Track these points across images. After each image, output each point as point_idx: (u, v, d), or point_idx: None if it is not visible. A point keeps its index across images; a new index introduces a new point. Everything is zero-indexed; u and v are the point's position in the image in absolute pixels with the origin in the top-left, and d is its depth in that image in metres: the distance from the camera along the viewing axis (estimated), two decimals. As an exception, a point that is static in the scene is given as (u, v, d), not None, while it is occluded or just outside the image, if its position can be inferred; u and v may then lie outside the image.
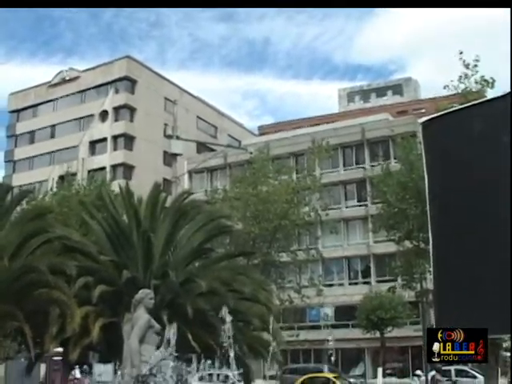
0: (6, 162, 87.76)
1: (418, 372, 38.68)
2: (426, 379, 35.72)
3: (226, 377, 34.27)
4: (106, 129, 78.22)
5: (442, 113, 6.83)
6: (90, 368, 23.38)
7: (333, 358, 57.15)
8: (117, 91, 79.37)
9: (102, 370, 24.61)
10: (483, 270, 5.81)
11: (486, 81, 31.52)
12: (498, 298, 5.56)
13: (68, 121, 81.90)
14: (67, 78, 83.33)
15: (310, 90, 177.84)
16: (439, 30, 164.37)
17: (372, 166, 61.46)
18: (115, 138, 78.34)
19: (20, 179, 76.57)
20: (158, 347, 13.71)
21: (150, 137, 75.86)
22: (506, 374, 34.21)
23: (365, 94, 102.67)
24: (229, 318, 14.86)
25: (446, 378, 36.95)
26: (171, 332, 13.61)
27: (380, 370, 53.47)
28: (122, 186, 27.02)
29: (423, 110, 72.91)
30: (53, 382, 29.30)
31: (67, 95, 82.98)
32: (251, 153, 48.33)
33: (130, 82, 79.11)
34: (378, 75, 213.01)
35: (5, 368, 30.47)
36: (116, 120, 78.74)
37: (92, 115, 79.99)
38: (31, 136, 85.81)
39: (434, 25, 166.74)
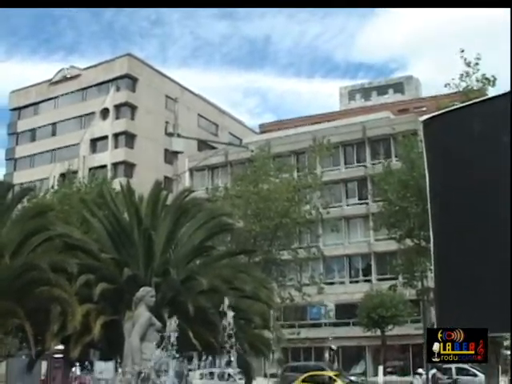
0: (7, 159, 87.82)
1: (420, 370, 38.69)
2: (427, 377, 35.75)
3: (228, 375, 34.30)
4: (106, 127, 78.22)
5: (443, 111, 6.83)
6: (91, 365, 23.35)
7: (327, 356, 57.22)
8: (118, 89, 79.34)
9: (103, 368, 24.61)
10: (484, 269, 5.82)
11: (487, 79, 31.47)
12: (498, 297, 5.56)
13: (69, 119, 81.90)
14: (68, 76, 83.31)
15: (311, 88, 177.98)
16: (440, 29, 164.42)
17: (373, 164, 61.50)
18: (116, 135, 78.34)
19: (21, 177, 76.58)
20: (158, 345, 13.72)
21: (151, 135, 75.87)
22: (506, 372, 34.18)
23: (366, 92, 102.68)
24: (230, 316, 14.86)
25: (446, 376, 36.98)
26: (172, 327, 13.62)
27: (381, 368, 53.62)
28: (123, 183, 27.01)
29: (424, 109, 72.91)
30: (54, 380, 29.30)
31: (68, 93, 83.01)
32: (252, 151, 48.32)
33: (131, 80, 79.10)
34: (379, 73, 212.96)
35: (6, 365, 30.50)
36: (117, 118, 78.73)
37: (93, 113, 79.98)
38: (32, 134, 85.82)
39: (435, 23, 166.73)
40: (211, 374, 35.86)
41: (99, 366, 25.02)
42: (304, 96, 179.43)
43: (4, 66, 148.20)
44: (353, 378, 45.14)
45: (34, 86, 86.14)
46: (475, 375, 38.85)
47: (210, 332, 21.03)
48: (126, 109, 78.70)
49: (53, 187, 48.79)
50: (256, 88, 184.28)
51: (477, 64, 31.41)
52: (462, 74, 31.53)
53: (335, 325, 62.72)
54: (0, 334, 21.09)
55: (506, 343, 36.85)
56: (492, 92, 28.72)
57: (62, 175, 59.41)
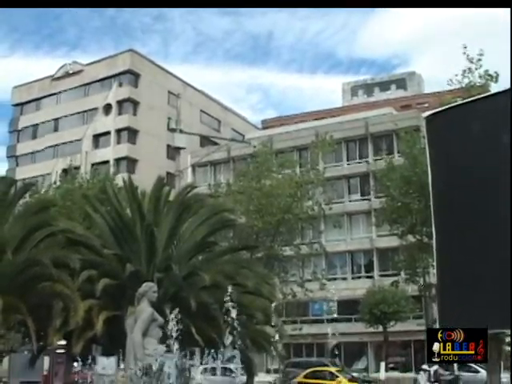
0: (8, 155, 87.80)
1: (425, 366, 38.64)
2: (429, 374, 35.74)
3: (229, 370, 34.29)
4: (109, 122, 78.19)
5: (446, 107, 6.82)
6: (94, 361, 23.37)
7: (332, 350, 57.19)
8: (120, 85, 79.27)
9: (105, 363, 24.61)
10: (485, 266, 5.81)
11: (489, 75, 31.42)
12: (499, 294, 5.56)
13: (71, 114, 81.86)
14: (71, 72, 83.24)
15: (313, 84, 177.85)
16: (443, 25, 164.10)
17: (375, 160, 61.42)
18: (118, 131, 78.30)
19: (23, 173, 76.52)
20: (161, 341, 13.74)
21: (153, 130, 75.82)
22: (508, 368, 34.17)
23: (368, 88, 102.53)
24: (233, 312, 14.88)
25: (448, 373, 36.94)
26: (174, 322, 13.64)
27: (383, 364, 53.51)
28: (125, 179, 27.02)
29: (427, 105, 72.78)
30: (56, 375, 29.33)
31: (71, 89, 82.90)
32: (255, 146, 48.28)
33: (133, 76, 79.03)
34: (382, 69, 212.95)
35: (8, 360, 30.54)
36: (119, 113, 78.67)
37: (95, 109, 79.93)
38: (34, 129, 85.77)
39: (438, 19, 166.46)
40: (213, 369, 35.83)
41: (101, 361, 25.03)
42: (306, 92, 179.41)
43: (7, 62, 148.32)
44: (355, 373, 45.09)
45: (37, 82, 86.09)
46: (477, 372, 38.83)
47: (212, 327, 21.06)
48: (129, 104, 78.65)
49: (55, 183, 48.83)
50: (258, 84, 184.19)
51: (479, 60, 31.36)
52: (465, 70, 31.49)
53: (337, 321, 62.71)
54: (3, 329, 21.15)
55: (508, 340, 36.86)
56: (495, 88, 28.70)
57: (65, 171, 59.49)
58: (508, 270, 5.46)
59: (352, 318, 60.77)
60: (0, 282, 20.31)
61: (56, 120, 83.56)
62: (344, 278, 65.44)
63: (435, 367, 34.77)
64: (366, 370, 58.77)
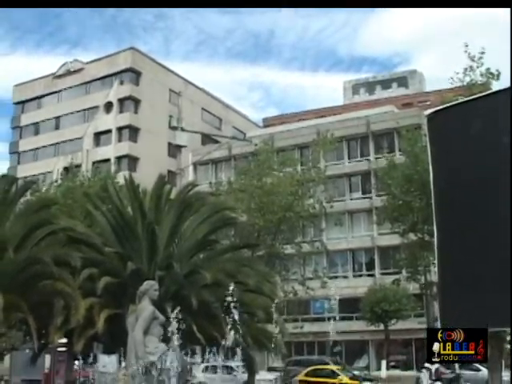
0: (10, 153, 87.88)
1: (427, 364, 38.66)
2: (430, 372, 35.74)
3: (231, 368, 34.30)
4: (110, 120, 78.20)
5: (447, 105, 6.81)
6: (95, 359, 23.37)
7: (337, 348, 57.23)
8: (121, 83, 79.27)
9: (107, 361, 24.63)
10: (486, 265, 5.80)
11: (491, 73, 31.37)
12: (500, 292, 5.55)
13: (72, 112, 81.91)
14: (72, 70, 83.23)
15: (314, 82, 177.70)
16: (444, 23, 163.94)
17: (377, 158, 61.35)
18: (120, 129, 78.31)
19: (25, 171, 76.58)
20: (163, 340, 13.74)
21: (154, 128, 75.82)
22: (509, 367, 34.16)
23: (370, 86, 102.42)
24: (234, 311, 14.89)
25: (449, 371, 36.97)
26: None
27: (384, 362, 53.52)
28: (127, 177, 27.02)
29: (428, 103, 72.72)
30: (57, 373, 29.33)
31: (72, 87, 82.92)
32: (256, 144, 48.26)
33: (134, 74, 79.02)
34: (383, 67, 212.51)
35: (10, 359, 30.57)
36: (121, 112, 78.69)
37: (96, 107, 79.95)
38: (36, 127, 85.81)
39: (439, 17, 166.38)
40: (214, 367, 35.85)
41: (103, 359, 25.05)
42: (308, 90, 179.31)
43: (8, 60, 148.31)
44: (356, 372, 45.08)
45: (38, 80, 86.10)
46: (478, 370, 38.85)
47: (214, 326, 21.06)
48: (130, 102, 78.66)
49: (56, 181, 48.81)
50: (260, 82, 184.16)
51: (481, 58, 31.31)
52: (466, 69, 31.44)
53: (338, 319, 62.67)
54: (4, 327, 21.14)
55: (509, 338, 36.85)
56: (496, 86, 28.66)
57: (66, 169, 59.41)
58: (509, 269, 5.45)
59: (353, 316, 60.78)
60: (1, 280, 20.32)
61: (57, 118, 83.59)
62: (345, 276, 65.44)
63: (436, 365, 34.78)
64: (367, 368, 58.75)
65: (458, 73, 31.70)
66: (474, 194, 6.00)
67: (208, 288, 22.10)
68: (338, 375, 37.96)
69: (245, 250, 33.53)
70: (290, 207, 42.04)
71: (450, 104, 6.83)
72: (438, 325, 6.23)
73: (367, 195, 64.05)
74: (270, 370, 48.39)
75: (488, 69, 31.38)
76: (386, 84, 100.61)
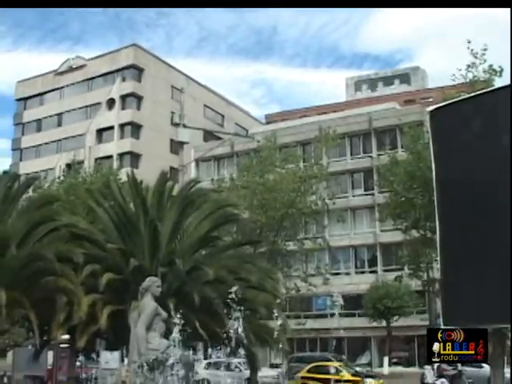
0: (13, 150, 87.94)
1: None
2: (432, 368, 35.76)
3: (233, 365, 34.30)
4: (112, 117, 78.21)
5: (450, 101, 6.79)
6: (97, 355, 23.46)
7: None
8: (124, 79, 79.28)
9: (109, 358, 24.70)
10: (489, 261, 5.80)
11: (494, 70, 31.34)
12: (503, 289, 5.55)
13: (75, 109, 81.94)
14: (74, 66, 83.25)
15: (317, 78, 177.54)
16: (447, 19, 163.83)
17: (379, 154, 61.26)
18: (122, 126, 78.35)
19: (27, 167, 76.72)
20: (165, 336, 13.74)
21: (157, 125, 75.82)
22: (510, 363, 34.18)
23: (372, 82, 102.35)
24: (237, 308, 14.89)
25: (451, 367, 36.96)
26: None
27: (386, 358, 53.67)
28: (129, 174, 27.03)
29: (431, 99, 72.71)
30: (60, 369, 29.38)
31: (74, 83, 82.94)
32: (258, 141, 48.24)
33: (136, 71, 79.02)
34: (386, 64, 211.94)
35: (12, 355, 30.61)
36: (123, 108, 78.71)
37: (99, 103, 79.97)
38: (38, 124, 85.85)
39: (442, 13, 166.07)
40: (217, 363, 35.90)
41: (105, 355, 25.12)
42: (310, 86, 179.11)
43: (10, 56, 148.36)
44: (358, 368, 45.13)
45: (40, 76, 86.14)
46: (480, 366, 38.85)
47: (216, 322, 21.08)
48: (132, 99, 78.68)
49: (59, 178, 48.86)
50: (262, 78, 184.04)
51: (483, 55, 31.27)
52: (469, 65, 31.40)
53: (341, 315, 62.72)
54: (7, 324, 21.19)
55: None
56: (499, 83, 28.62)
57: (68, 166, 59.52)
58: (511, 266, 5.45)
59: (355, 312, 60.83)
60: (4, 276, 20.35)
61: (59, 115, 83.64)
62: (347, 273, 65.46)
63: (438, 362, 34.75)
64: (369, 364, 58.83)
65: (460, 69, 31.69)
66: (477, 190, 5.99)
67: (210, 284, 22.12)
68: (340, 372, 37.95)
69: (247, 246, 33.53)
70: (292, 204, 42.03)
71: (453, 100, 6.81)
72: (441, 321, 6.22)
73: (369, 192, 64.01)
74: (273, 366, 48.42)
75: (491, 65, 31.36)
76: (388, 80, 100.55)
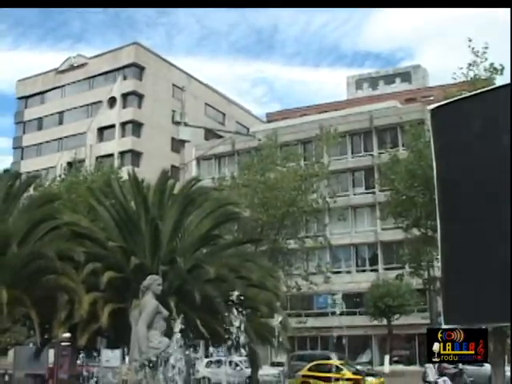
0: (14, 148, 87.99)
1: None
2: (434, 366, 35.76)
3: (234, 363, 34.38)
4: (113, 115, 78.24)
5: (451, 100, 6.80)
6: (98, 354, 23.48)
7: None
8: (125, 78, 79.31)
9: (110, 356, 24.73)
10: (489, 260, 5.80)
11: (495, 68, 31.33)
12: (503, 288, 5.55)
13: (76, 107, 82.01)
14: (75, 65, 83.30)
15: (318, 77, 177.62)
16: (447, 19, 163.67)
17: (380, 153, 61.23)
18: (123, 124, 78.38)
19: (28, 166, 76.77)
20: (167, 335, 13.74)
21: (157, 123, 75.87)
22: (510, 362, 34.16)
23: (373, 81, 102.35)
24: (238, 306, 14.90)
25: (452, 366, 36.96)
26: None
27: (387, 357, 53.68)
28: (130, 172, 27.02)
29: (432, 98, 72.66)
30: (61, 367, 29.42)
31: (75, 82, 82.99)
32: (259, 139, 48.24)
33: (137, 69, 79.04)
34: (387, 62, 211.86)
35: (14, 353, 30.66)
36: (124, 107, 78.74)
37: (100, 102, 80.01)
38: (39, 123, 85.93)
39: (442, 14, 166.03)
40: (218, 362, 35.94)
41: (106, 354, 25.14)
42: (311, 85, 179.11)
43: (11, 55, 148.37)
44: (359, 367, 45.12)
45: (41, 75, 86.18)
46: (481, 365, 38.82)
47: (217, 320, 21.09)
48: (133, 97, 78.72)
49: (60, 176, 48.87)
50: (263, 77, 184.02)
51: (484, 53, 31.25)
52: (470, 64, 31.39)
53: (342, 314, 62.72)
54: (8, 322, 21.19)
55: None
56: (500, 81, 28.64)
57: (69, 164, 59.47)
58: (509, 265, 5.45)
59: (356, 311, 60.86)
60: (5, 275, 20.35)
61: (60, 113, 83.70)
62: (348, 272, 65.47)
63: (439, 361, 34.69)
64: (370, 363, 58.86)
65: (461, 68, 31.69)
66: (478, 189, 6.00)
67: (211, 283, 22.11)
68: (341, 370, 37.96)
69: (248, 244, 33.51)
70: (293, 202, 42.05)
71: (454, 99, 6.82)
72: (441, 320, 6.23)
73: (370, 190, 64.04)
74: (274, 364, 48.45)
75: (492, 64, 31.34)
76: (389, 79, 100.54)
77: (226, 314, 18.48)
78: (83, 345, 21.71)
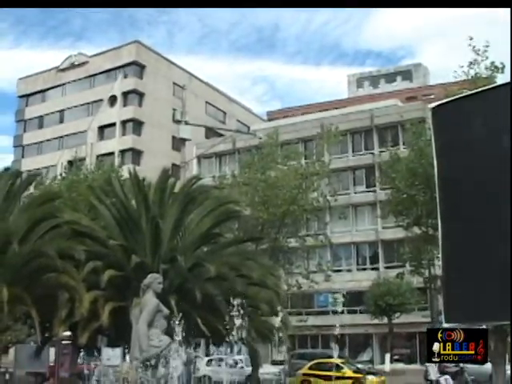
0: (14, 146, 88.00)
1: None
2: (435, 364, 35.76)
3: (235, 361, 34.39)
4: (114, 114, 78.21)
5: (452, 98, 6.79)
6: (99, 352, 23.45)
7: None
8: (125, 76, 79.28)
9: (111, 354, 24.69)
10: (490, 258, 5.80)
11: (496, 67, 31.30)
12: (504, 286, 5.55)
13: (77, 106, 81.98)
14: (76, 63, 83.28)
15: (319, 75, 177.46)
16: (447, 19, 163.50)
17: (381, 151, 61.21)
18: (124, 123, 78.35)
19: (29, 164, 76.77)
20: (167, 333, 13.74)
21: (158, 122, 75.84)
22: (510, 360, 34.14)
23: (374, 79, 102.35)
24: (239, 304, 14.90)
25: (453, 364, 36.97)
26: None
27: (388, 355, 53.67)
28: (131, 170, 27.01)
29: (433, 96, 72.64)
30: (62, 366, 29.44)
31: (76, 80, 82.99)
32: (260, 138, 48.18)
33: (138, 67, 79.02)
34: (388, 61, 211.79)
35: (14, 352, 30.65)
36: (125, 105, 78.71)
37: (101, 100, 79.98)
38: (40, 121, 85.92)
39: (442, 14, 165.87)
40: (218, 360, 35.96)
41: (107, 352, 25.12)
42: (312, 83, 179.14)
43: (12, 53, 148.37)
44: (360, 365, 45.12)
45: (42, 73, 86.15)
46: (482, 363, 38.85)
47: (218, 319, 21.08)
48: (134, 96, 78.69)
49: (60, 174, 48.87)
50: (264, 75, 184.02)
51: (485, 51, 31.22)
52: (471, 62, 31.35)
53: (342, 312, 62.71)
54: (9, 320, 21.19)
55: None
56: (501, 79, 28.61)
57: (70, 162, 59.46)
58: (509, 264, 5.45)
59: (357, 309, 60.85)
60: (5, 273, 20.37)
61: (61, 111, 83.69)
62: (349, 270, 65.47)
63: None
64: (371, 361, 58.85)
65: (462, 66, 31.65)
66: (479, 187, 5.99)
67: (212, 281, 22.11)
68: (342, 368, 37.96)
69: (248, 243, 33.49)
70: (293, 201, 41.97)
71: (455, 97, 6.81)
72: (442, 318, 6.22)
73: (371, 189, 63.99)
74: (274, 363, 48.46)
75: (493, 62, 31.31)
76: (390, 77, 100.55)
77: (228, 314, 18.49)
78: (84, 343, 21.70)
